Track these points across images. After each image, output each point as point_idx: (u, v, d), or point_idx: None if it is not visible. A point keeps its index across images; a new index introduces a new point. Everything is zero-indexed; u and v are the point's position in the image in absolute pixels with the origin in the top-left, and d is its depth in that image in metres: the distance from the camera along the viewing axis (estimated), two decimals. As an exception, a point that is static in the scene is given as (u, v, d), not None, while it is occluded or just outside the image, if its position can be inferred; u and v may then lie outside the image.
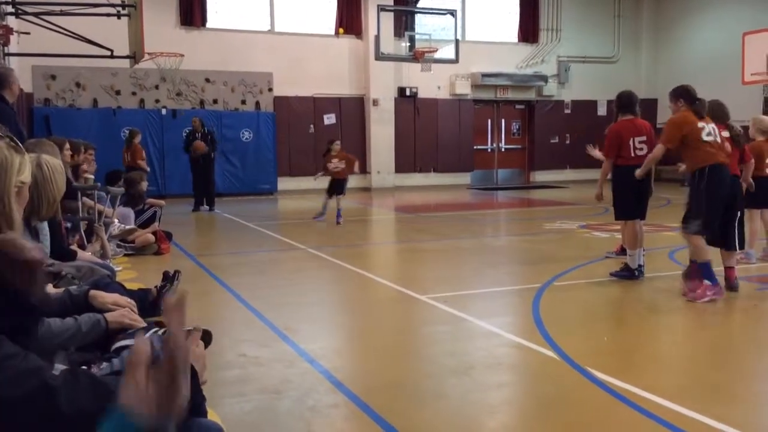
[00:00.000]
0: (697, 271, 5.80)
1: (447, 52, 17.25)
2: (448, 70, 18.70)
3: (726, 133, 6.38)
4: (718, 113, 6.38)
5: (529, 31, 20.64)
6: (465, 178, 19.84)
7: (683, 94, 6.04)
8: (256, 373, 4.24)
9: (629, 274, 6.64)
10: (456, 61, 17.54)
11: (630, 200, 6.62)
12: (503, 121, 20.93)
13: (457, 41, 17.34)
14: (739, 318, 5.76)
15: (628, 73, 21.21)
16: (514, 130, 21.07)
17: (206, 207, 13.85)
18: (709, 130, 5.88)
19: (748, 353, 4.77)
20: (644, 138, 6.57)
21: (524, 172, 21.08)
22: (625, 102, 6.74)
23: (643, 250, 6.83)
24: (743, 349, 4.86)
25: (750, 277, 6.92)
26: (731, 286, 6.11)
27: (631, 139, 6.54)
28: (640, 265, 6.66)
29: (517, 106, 20.95)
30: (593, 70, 20.93)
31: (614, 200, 6.77)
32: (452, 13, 17.17)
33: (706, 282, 5.74)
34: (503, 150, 20.99)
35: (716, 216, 5.81)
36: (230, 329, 5.27)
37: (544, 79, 20.36)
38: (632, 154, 6.49)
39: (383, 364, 4.55)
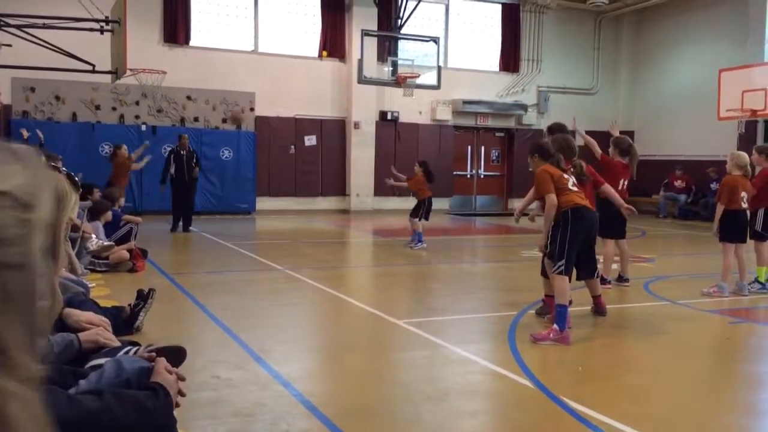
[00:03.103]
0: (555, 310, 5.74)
1: (429, 78, 17.39)
2: (430, 96, 18.86)
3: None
4: (566, 149, 6.23)
5: (510, 60, 20.90)
6: (444, 204, 19.93)
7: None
8: (230, 396, 4.19)
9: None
10: (438, 87, 17.69)
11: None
12: (483, 148, 21.10)
13: (439, 68, 17.51)
14: (714, 350, 5.81)
15: (605, 105, 21.54)
16: (494, 158, 21.24)
17: (184, 225, 13.31)
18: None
19: (722, 385, 4.80)
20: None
21: (503, 199, 21.22)
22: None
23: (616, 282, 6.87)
24: (718, 381, 4.90)
25: (722, 311, 7.00)
26: (599, 311, 6.36)
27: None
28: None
29: (497, 134, 21.14)
30: (572, 100, 21.20)
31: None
32: (435, 40, 17.34)
33: (555, 326, 5.57)
34: (482, 176, 21.14)
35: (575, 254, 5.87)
36: (204, 350, 5.21)
37: (524, 108, 20.60)
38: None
39: (358, 388, 4.52)
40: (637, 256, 10.09)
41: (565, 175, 5.92)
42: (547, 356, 5.40)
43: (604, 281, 7.39)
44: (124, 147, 13.25)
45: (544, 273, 6.28)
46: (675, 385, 4.82)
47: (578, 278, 6.23)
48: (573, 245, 5.73)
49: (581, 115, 21.49)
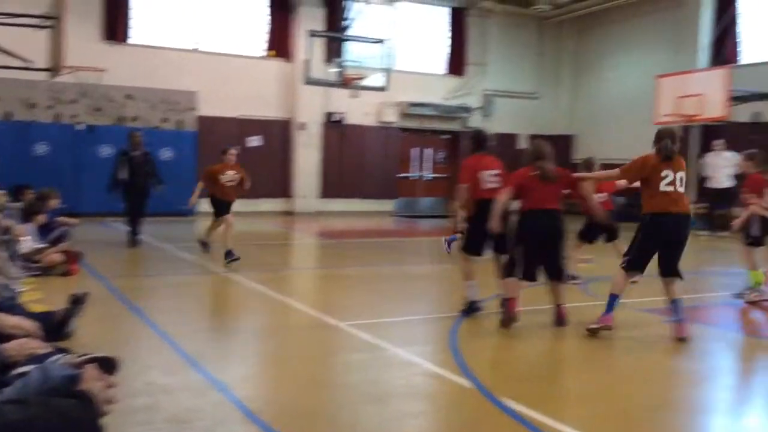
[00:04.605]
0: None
1: (376, 80, 17.36)
2: (377, 98, 18.82)
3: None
4: (529, 154, 6.40)
5: (456, 63, 21.06)
6: (389, 205, 19.94)
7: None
8: (165, 402, 4.08)
9: (467, 311, 6.54)
10: (384, 89, 17.69)
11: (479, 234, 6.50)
12: (429, 150, 21.21)
13: (386, 70, 17.51)
14: (649, 348, 5.92)
15: (548, 109, 21.92)
16: (439, 160, 21.38)
17: (136, 233, 11.48)
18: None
19: (656, 382, 4.90)
20: (497, 172, 6.56)
21: (448, 200, 21.34)
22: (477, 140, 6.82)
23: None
24: (652, 379, 4.99)
25: (659, 310, 7.16)
26: (560, 322, 6.20)
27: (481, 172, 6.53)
28: (473, 301, 6.55)
29: (443, 136, 21.29)
30: (516, 104, 21.51)
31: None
32: (382, 42, 17.34)
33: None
34: (428, 178, 21.25)
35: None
36: (138, 355, 5.06)
37: (470, 111, 20.80)
38: (483, 187, 6.48)
39: (298, 393, 4.45)
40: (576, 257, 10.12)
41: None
42: (488, 356, 5.44)
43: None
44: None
45: (503, 273, 6.33)
46: (611, 384, 4.91)
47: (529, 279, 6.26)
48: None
49: (525, 119, 21.95)
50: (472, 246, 6.60)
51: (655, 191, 5.88)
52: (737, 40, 17.71)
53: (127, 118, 16.77)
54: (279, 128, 18.67)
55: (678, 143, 6.18)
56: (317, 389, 4.55)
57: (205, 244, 10.11)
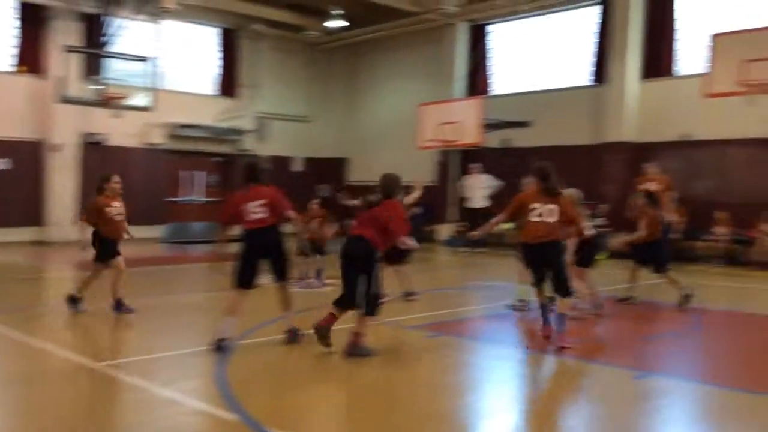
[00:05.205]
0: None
1: (141, 99, 16.47)
2: (143, 118, 17.84)
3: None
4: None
5: (228, 85, 20.72)
6: (157, 231, 18.91)
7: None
8: None
9: (215, 347, 6.09)
10: (150, 109, 16.83)
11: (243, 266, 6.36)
12: (200, 173, 20.53)
13: (152, 89, 16.68)
14: (410, 364, 6.09)
15: (321, 133, 22.33)
16: (212, 183, 20.78)
17: None
18: None
19: (420, 397, 5.02)
20: (263, 202, 6.43)
21: (222, 225, 20.79)
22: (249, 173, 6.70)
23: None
24: (411, 392, 5.11)
25: (422, 326, 7.45)
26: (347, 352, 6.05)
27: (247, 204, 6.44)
28: (222, 338, 6.11)
29: (215, 159, 20.74)
30: (290, 127, 21.63)
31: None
32: (148, 60, 16.50)
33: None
34: (200, 202, 20.54)
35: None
36: None
37: (242, 133, 20.51)
38: (248, 218, 6.41)
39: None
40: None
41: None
42: (256, 387, 5.23)
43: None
44: None
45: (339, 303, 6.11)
46: (381, 402, 4.94)
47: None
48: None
49: (299, 142, 22.12)
50: (241, 278, 6.37)
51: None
52: (488, 72, 19.41)
53: None
54: (29, 150, 16.99)
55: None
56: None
57: (75, 300, 8.08)
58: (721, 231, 14.05)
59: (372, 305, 6.01)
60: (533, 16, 18.29)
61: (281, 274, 6.47)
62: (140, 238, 17.84)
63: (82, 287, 8.06)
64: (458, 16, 19.04)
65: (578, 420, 4.90)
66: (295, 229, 7.35)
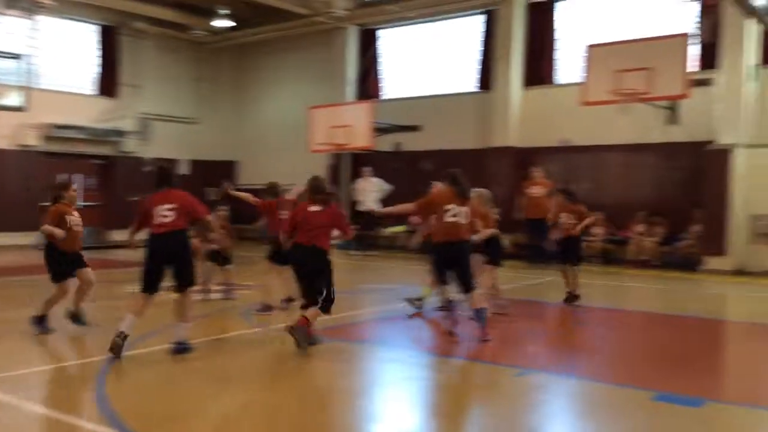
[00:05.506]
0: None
1: (14, 99, 15.51)
2: (14, 119, 16.78)
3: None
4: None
5: (108, 84, 19.81)
6: (32, 238, 17.79)
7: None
8: None
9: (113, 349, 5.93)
10: (24, 109, 15.87)
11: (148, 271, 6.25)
12: (79, 176, 19.49)
13: (26, 88, 15.72)
14: (310, 374, 6.03)
15: (209, 135, 21.74)
16: (91, 186, 19.79)
17: None
18: None
19: (309, 406, 4.98)
20: (173, 206, 6.25)
21: (101, 230, 19.84)
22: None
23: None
24: (309, 402, 5.06)
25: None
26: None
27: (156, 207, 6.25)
28: (122, 331, 5.97)
29: (95, 161, 19.79)
30: (175, 129, 20.94)
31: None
32: (21, 57, 15.55)
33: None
34: (78, 206, 19.46)
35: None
36: None
37: (124, 134, 19.67)
38: (156, 222, 6.22)
39: None
40: (235, 283, 9.87)
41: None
42: (138, 399, 5.00)
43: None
44: None
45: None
46: (264, 413, 4.86)
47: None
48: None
49: (185, 143, 21.44)
50: (145, 282, 6.20)
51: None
52: (379, 77, 19.58)
53: None
54: None
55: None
56: None
57: (76, 318, 7.48)
58: (598, 231, 14.80)
59: (327, 304, 6.41)
60: (421, 22, 18.61)
61: (184, 281, 6.27)
62: (14, 246, 16.98)
63: (46, 307, 7.27)
64: (348, 20, 19.09)
65: (465, 417, 5.00)
66: (211, 235, 7.27)
